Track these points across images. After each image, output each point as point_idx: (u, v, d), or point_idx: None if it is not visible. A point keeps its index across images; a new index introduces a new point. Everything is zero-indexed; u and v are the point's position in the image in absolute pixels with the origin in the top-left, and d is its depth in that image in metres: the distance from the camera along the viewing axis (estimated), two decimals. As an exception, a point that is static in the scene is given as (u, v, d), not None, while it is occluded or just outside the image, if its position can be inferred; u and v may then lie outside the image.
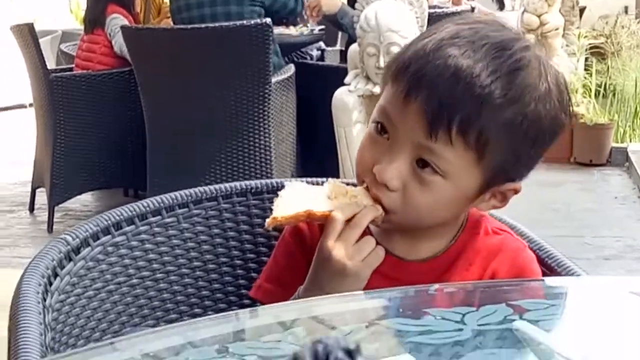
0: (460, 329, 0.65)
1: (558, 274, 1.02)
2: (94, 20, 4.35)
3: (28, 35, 4.11)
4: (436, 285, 0.78)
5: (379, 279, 0.97)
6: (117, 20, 4.26)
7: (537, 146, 0.95)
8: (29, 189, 4.56)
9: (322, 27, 4.42)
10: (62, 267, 1.06)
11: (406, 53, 0.96)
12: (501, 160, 0.93)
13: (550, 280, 1.00)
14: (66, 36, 6.39)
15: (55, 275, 1.05)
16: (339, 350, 0.33)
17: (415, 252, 1.01)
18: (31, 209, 4.53)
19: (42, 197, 4.39)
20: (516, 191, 0.99)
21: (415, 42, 0.97)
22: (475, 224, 1.03)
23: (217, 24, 3.51)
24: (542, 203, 4.39)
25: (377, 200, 0.96)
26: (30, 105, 5.19)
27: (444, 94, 0.90)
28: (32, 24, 4.19)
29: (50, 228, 4.14)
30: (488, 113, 0.90)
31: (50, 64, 4.54)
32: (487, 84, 0.90)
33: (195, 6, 3.74)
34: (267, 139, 3.56)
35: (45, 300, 1.00)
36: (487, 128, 0.90)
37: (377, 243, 0.99)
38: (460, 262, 1.00)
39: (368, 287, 0.96)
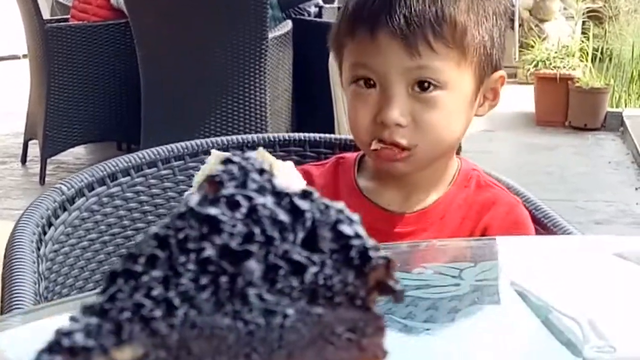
0: (458, 284, 0.66)
1: (554, 233, 1.02)
2: None
3: (22, -16, 4.06)
4: (434, 241, 0.78)
5: (373, 234, 0.97)
6: None
7: (500, 21, 1.01)
8: (22, 140, 4.54)
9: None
10: (57, 217, 1.06)
11: (348, 7, 1.00)
12: (481, 45, 0.98)
13: (540, 239, 1.00)
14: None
15: (50, 224, 1.04)
16: (254, 172, 0.33)
17: (407, 206, 1.02)
18: (23, 160, 4.51)
19: (34, 149, 4.37)
20: (503, 80, 1.03)
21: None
22: (466, 177, 1.04)
23: (214, -22, 3.47)
24: (536, 166, 4.40)
25: (396, 145, 0.96)
26: (24, 56, 5.14)
27: (404, 11, 0.95)
28: (26, -27, 4.13)
29: (42, 180, 4.12)
30: (449, 5, 0.96)
31: (45, 15, 4.47)
32: None
33: None
34: (262, 95, 3.54)
35: (39, 249, 1.00)
36: (455, 19, 0.95)
37: (369, 200, 1.00)
38: (451, 213, 1.01)
39: None
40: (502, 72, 1.02)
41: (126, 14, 3.98)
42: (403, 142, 0.95)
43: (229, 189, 0.33)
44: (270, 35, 3.53)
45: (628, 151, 4.77)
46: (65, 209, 1.07)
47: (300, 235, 0.32)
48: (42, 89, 4.14)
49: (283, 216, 0.33)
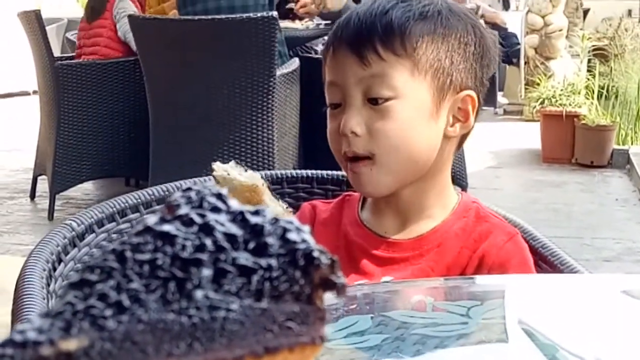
0: (466, 323, 0.66)
1: (561, 271, 1.02)
2: (98, 8, 4.34)
3: (35, 21, 4.12)
4: (440, 279, 0.79)
5: (372, 259, 1.01)
6: (124, 3, 4.26)
7: (465, 49, 1.03)
8: (31, 176, 4.56)
9: (328, 21, 4.42)
10: (67, 253, 1.07)
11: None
12: (436, 61, 1.01)
13: (547, 277, 1.00)
14: (72, 24, 6.37)
15: (60, 260, 1.05)
16: (211, 196, 0.37)
17: (404, 233, 1.04)
18: (32, 196, 4.53)
19: (43, 184, 4.39)
20: (474, 102, 1.04)
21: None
22: (466, 208, 1.05)
23: (223, 16, 3.51)
24: (543, 203, 4.40)
25: (357, 157, 1.01)
26: (34, 92, 5.19)
27: (358, 24, 1.02)
28: (39, 11, 4.19)
29: (50, 216, 4.14)
30: (401, 18, 1.01)
31: (55, 52, 4.53)
32: (393, 3, 1.03)
33: (200, 0, 3.72)
34: (270, 132, 3.56)
35: (49, 285, 1.01)
36: (406, 30, 1.00)
37: (368, 228, 1.04)
38: (449, 241, 1.02)
39: (361, 269, 0.98)
40: (469, 92, 1.03)
41: (132, 48, 4.03)
42: (360, 150, 1.00)
43: (185, 209, 0.37)
44: (278, 72, 3.56)
45: (635, 188, 4.77)
46: (75, 245, 1.08)
47: (252, 245, 0.36)
48: (51, 125, 4.18)
49: (235, 230, 0.36)
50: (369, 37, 1.00)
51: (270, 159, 3.57)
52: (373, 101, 1.00)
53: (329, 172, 1.31)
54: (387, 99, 0.99)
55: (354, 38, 1.01)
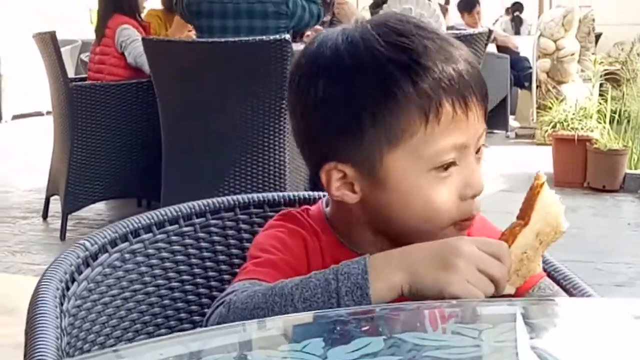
0: (478, 345, 0.66)
1: (573, 296, 1.02)
2: (102, 27, 4.38)
3: (50, 43, 4.15)
4: (452, 301, 0.79)
5: None
6: (127, 31, 4.28)
7: None
8: (43, 196, 4.59)
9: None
10: (80, 273, 1.07)
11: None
12: None
13: (559, 301, 1.00)
14: (86, 46, 6.44)
15: (73, 280, 1.05)
16: None
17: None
18: (45, 216, 4.55)
19: (55, 204, 4.42)
20: None
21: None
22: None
23: (236, 39, 3.53)
24: (555, 227, 4.38)
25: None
26: (48, 113, 5.24)
27: (479, 83, 0.94)
28: (54, 32, 4.23)
29: (62, 236, 4.16)
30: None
31: (70, 73, 4.57)
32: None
33: (218, 15, 3.73)
34: (281, 154, 3.57)
35: (62, 304, 1.01)
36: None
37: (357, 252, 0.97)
38: None
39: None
40: None
41: (144, 72, 4.06)
42: (479, 208, 0.96)
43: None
44: (291, 94, 3.57)
45: (647, 213, 4.75)
46: (88, 265, 1.09)
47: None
48: (65, 146, 4.20)
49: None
50: (485, 84, 0.95)
51: (281, 180, 3.58)
52: (477, 151, 0.95)
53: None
54: (482, 145, 0.96)
55: (482, 89, 0.94)
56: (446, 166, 0.92)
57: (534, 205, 0.89)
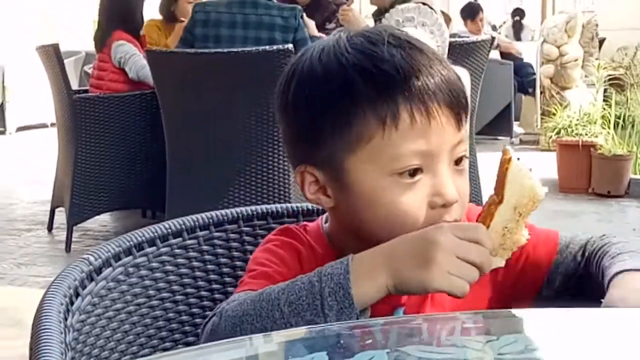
0: (481, 358, 0.66)
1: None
2: (102, 41, 4.39)
3: (53, 55, 4.17)
4: (456, 313, 0.78)
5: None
6: (123, 47, 4.27)
7: None
8: (48, 208, 4.60)
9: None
10: (84, 287, 1.07)
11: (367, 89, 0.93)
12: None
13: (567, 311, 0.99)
14: (89, 57, 6.46)
15: (77, 294, 1.05)
16: None
17: None
18: (50, 228, 4.56)
19: (60, 216, 4.42)
20: None
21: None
22: None
23: (239, 49, 3.54)
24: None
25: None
26: (52, 124, 5.25)
27: (450, 92, 0.93)
28: (57, 45, 4.25)
29: (68, 247, 4.16)
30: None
31: (74, 85, 4.59)
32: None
33: (226, 25, 3.74)
34: (285, 163, 3.58)
35: (66, 319, 1.01)
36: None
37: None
38: None
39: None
40: None
41: (147, 85, 4.07)
42: (458, 217, 0.94)
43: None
44: (294, 104, 3.58)
45: (653, 218, 4.74)
46: (92, 279, 1.09)
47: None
48: (69, 158, 4.21)
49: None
50: (464, 98, 0.94)
51: (286, 190, 3.58)
52: (457, 162, 0.95)
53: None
54: (465, 159, 0.96)
55: (452, 100, 0.93)
56: (411, 172, 0.92)
57: (504, 181, 0.90)
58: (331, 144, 0.94)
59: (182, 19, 4.68)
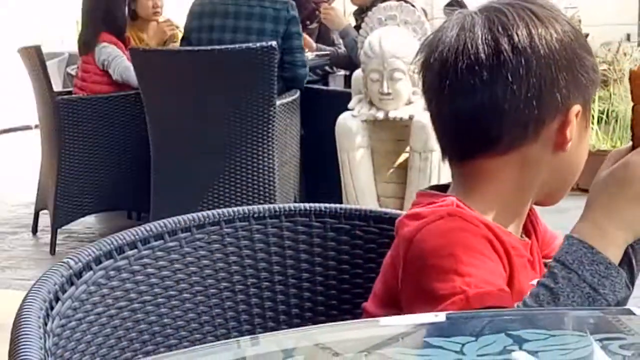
0: (460, 359, 0.65)
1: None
2: (87, 43, 4.36)
3: (35, 57, 4.14)
4: (440, 314, 0.78)
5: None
6: (107, 49, 4.25)
7: None
8: (33, 210, 4.57)
9: (327, 52, 4.48)
10: (64, 291, 1.06)
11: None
12: None
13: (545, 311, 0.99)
14: (73, 59, 6.41)
15: (57, 299, 1.05)
16: None
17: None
18: (34, 231, 4.53)
19: (45, 219, 4.39)
20: None
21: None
22: None
23: (223, 47, 3.54)
24: (545, 229, 4.38)
25: None
26: (36, 127, 5.21)
27: None
28: (39, 47, 4.22)
29: (52, 250, 4.14)
30: None
31: (57, 86, 4.56)
32: None
33: (220, 15, 3.78)
34: (270, 161, 3.57)
35: (46, 325, 1.00)
36: None
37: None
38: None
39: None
40: None
41: (130, 87, 4.05)
42: None
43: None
44: (278, 102, 3.58)
45: (637, 213, 4.75)
46: (72, 283, 1.08)
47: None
48: (53, 160, 4.19)
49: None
50: None
51: (271, 188, 3.58)
52: None
53: (327, 205, 1.31)
54: None
55: None
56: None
57: None
58: None
59: (157, 18, 4.67)
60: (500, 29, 1.01)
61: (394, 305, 1.01)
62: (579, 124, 1.05)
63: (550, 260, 0.95)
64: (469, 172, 1.05)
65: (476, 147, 1.03)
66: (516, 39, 1.00)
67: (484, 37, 1.00)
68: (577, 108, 1.04)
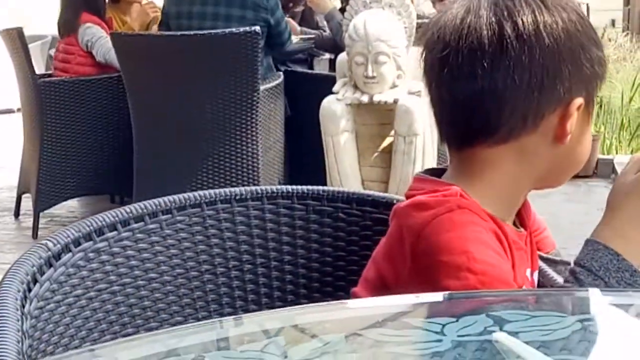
0: (440, 340, 0.65)
1: (544, 286, 1.02)
2: (67, 25, 4.31)
3: (17, 39, 4.10)
4: (412, 296, 0.78)
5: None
6: (91, 29, 4.20)
7: None
8: (15, 194, 4.54)
9: (312, 36, 4.46)
10: (42, 273, 1.05)
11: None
12: None
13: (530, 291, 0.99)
14: (56, 41, 6.37)
15: (35, 281, 1.03)
16: None
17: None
18: (16, 214, 4.50)
19: (27, 202, 4.36)
20: None
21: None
22: None
23: (206, 32, 3.51)
24: (529, 214, 4.39)
25: None
26: (18, 110, 5.17)
27: None
28: (21, 29, 4.17)
29: (35, 234, 4.11)
30: None
31: (40, 69, 4.51)
32: None
33: (199, 2, 3.71)
34: (254, 146, 3.56)
35: (23, 307, 0.99)
36: None
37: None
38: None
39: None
40: None
41: (114, 68, 4.01)
42: None
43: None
44: (262, 86, 3.56)
45: (620, 198, 4.77)
46: (51, 265, 1.07)
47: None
48: (35, 143, 4.16)
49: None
50: None
51: (254, 173, 3.57)
52: None
53: (309, 187, 1.30)
54: None
55: None
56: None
57: None
58: None
59: (140, 0, 4.62)
60: (505, 14, 0.98)
61: (387, 293, 0.99)
62: (581, 117, 1.01)
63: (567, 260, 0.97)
64: (467, 159, 1.03)
65: (474, 135, 1.01)
66: (521, 25, 0.97)
67: (488, 22, 0.98)
68: (579, 101, 1.00)
